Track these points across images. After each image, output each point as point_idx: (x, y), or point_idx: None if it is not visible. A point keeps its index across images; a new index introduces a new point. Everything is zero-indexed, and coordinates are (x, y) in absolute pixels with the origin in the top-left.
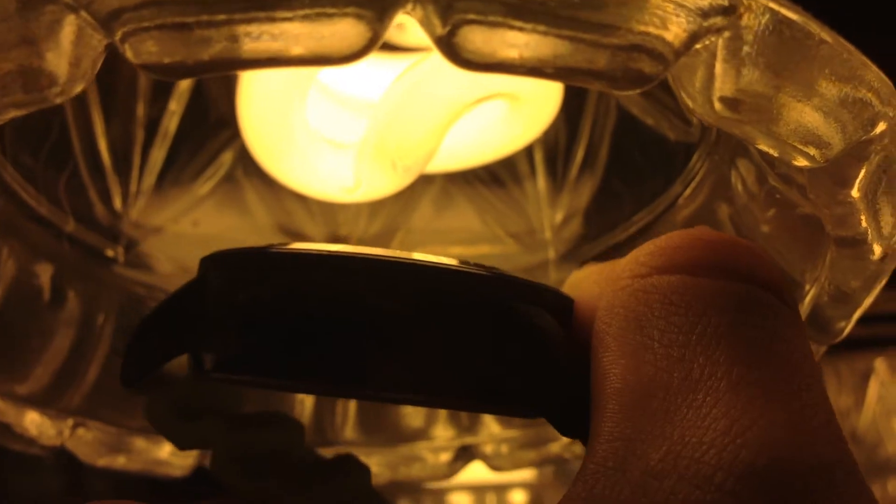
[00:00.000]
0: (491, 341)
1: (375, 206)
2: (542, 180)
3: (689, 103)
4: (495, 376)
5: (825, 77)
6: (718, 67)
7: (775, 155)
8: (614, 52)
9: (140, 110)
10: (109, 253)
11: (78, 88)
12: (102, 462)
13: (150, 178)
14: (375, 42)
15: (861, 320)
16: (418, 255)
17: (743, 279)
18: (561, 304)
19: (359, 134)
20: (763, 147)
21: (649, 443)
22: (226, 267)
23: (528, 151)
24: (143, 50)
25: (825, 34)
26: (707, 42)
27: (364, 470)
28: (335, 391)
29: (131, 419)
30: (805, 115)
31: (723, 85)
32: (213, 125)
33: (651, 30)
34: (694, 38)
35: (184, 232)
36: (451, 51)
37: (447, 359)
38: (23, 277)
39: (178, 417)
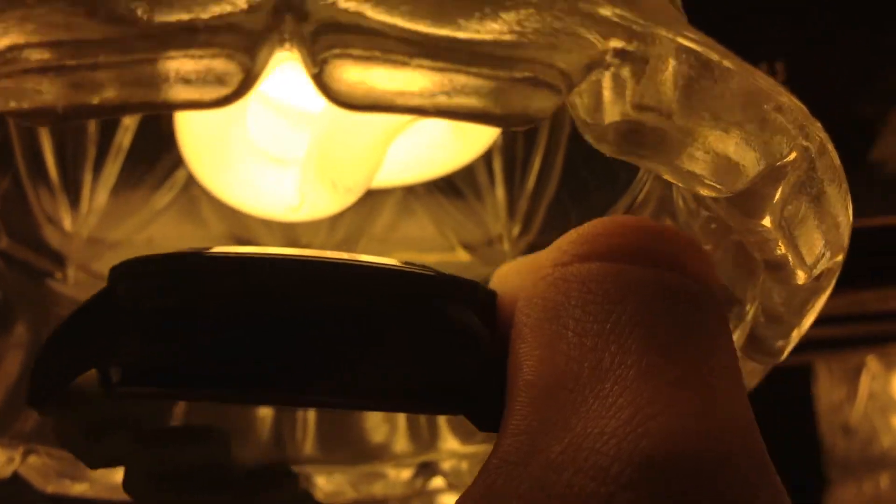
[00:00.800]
0: (409, 338)
1: (335, 217)
2: (500, 190)
3: (587, 135)
4: (413, 374)
5: (733, 103)
6: (606, 95)
7: (681, 185)
8: (499, 87)
9: (91, 126)
10: (57, 275)
11: None
12: (52, 488)
13: (103, 194)
14: (249, 84)
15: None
16: (335, 254)
17: (664, 266)
18: (484, 299)
19: (301, 150)
20: (668, 178)
21: (553, 435)
22: (131, 275)
23: (488, 160)
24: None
25: (729, 62)
26: (601, 71)
27: (292, 477)
28: (245, 399)
29: None
30: (711, 143)
31: (612, 113)
32: (167, 139)
33: (543, 57)
34: (590, 67)
35: (138, 248)
36: (325, 89)
37: (363, 358)
38: None
39: (87, 435)
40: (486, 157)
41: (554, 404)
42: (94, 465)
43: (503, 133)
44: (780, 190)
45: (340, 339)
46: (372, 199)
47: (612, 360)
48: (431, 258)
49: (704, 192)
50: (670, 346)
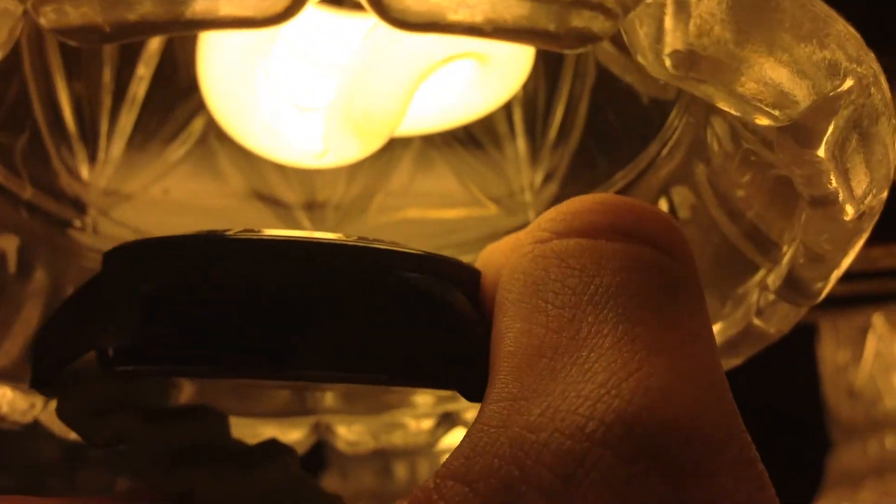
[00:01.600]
0: (397, 316)
1: (353, 170)
2: (521, 141)
3: (641, 61)
4: (403, 350)
5: (786, 31)
6: (668, 22)
7: (737, 114)
8: (559, 9)
9: (107, 75)
10: (76, 223)
11: None
12: (74, 436)
13: (119, 144)
14: (301, 3)
15: (858, 276)
16: (324, 235)
17: (640, 241)
18: (468, 277)
19: (327, 96)
20: (723, 106)
21: (532, 400)
22: (125, 259)
23: (507, 112)
24: (61, 12)
25: None
26: None
27: (290, 453)
28: (236, 374)
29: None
30: (766, 72)
31: (673, 40)
32: (183, 90)
33: None
34: None
35: (154, 200)
36: (381, 10)
37: (353, 335)
38: None
39: (89, 414)
40: (507, 110)
41: (534, 372)
42: (97, 444)
43: (525, 84)
44: (835, 119)
45: (331, 317)
46: (389, 151)
47: (589, 329)
48: (459, 212)
49: (761, 120)
50: (644, 315)
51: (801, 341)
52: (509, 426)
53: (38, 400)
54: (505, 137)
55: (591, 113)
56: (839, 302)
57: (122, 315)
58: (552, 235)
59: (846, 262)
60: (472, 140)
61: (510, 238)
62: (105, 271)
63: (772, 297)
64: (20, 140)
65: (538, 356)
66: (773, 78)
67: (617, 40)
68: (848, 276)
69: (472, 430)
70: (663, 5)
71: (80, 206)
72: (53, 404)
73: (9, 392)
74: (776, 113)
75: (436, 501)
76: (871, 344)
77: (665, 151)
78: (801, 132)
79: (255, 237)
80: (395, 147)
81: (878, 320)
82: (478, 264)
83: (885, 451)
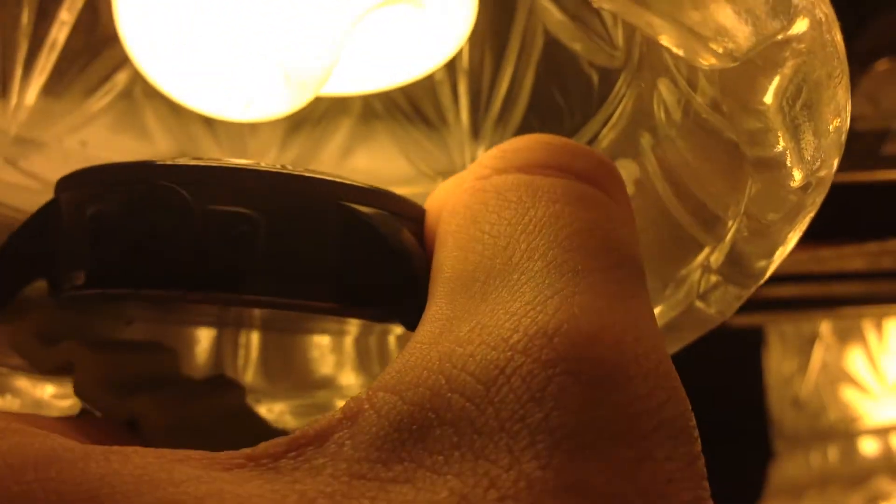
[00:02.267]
0: (342, 246)
1: (288, 136)
2: (464, 114)
3: None
4: (346, 280)
5: None
6: None
7: (679, 53)
8: None
9: (25, 17)
10: None
11: None
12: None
13: (34, 91)
14: None
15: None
16: (269, 165)
17: (574, 176)
18: (413, 214)
19: (253, 43)
20: (666, 41)
21: (464, 319)
22: (76, 185)
23: (453, 84)
24: None
25: None
26: None
27: (239, 389)
28: (183, 298)
29: (11, 357)
30: (715, 3)
31: None
32: (107, 39)
33: None
34: None
35: (71, 151)
36: None
37: (301, 264)
38: None
39: (39, 342)
40: (451, 80)
41: (466, 294)
42: (46, 371)
43: (471, 54)
44: (785, 64)
45: (278, 244)
46: (327, 119)
47: (521, 255)
48: (394, 187)
49: (706, 58)
50: (575, 242)
51: (748, 349)
52: (440, 343)
53: None
54: (449, 110)
55: (536, 87)
56: (786, 304)
57: (71, 240)
58: (492, 172)
59: (792, 238)
60: (416, 111)
61: (454, 177)
62: (56, 199)
63: (714, 278)
64: None
65: (472, 280)
66: (717, 11)
67: (566, 7)
68: (796, 278)
69: (406, 349)
70: None
71: None
72: None
73: None
74: (720, 50)
75: (366, 410)
76: (817, 354)
77: (609, 122)
78: (746, 76)
79: (206, 164)
80: (332, 115)
81: (825, 329)
82: (425, 205)
83: (827, 462)
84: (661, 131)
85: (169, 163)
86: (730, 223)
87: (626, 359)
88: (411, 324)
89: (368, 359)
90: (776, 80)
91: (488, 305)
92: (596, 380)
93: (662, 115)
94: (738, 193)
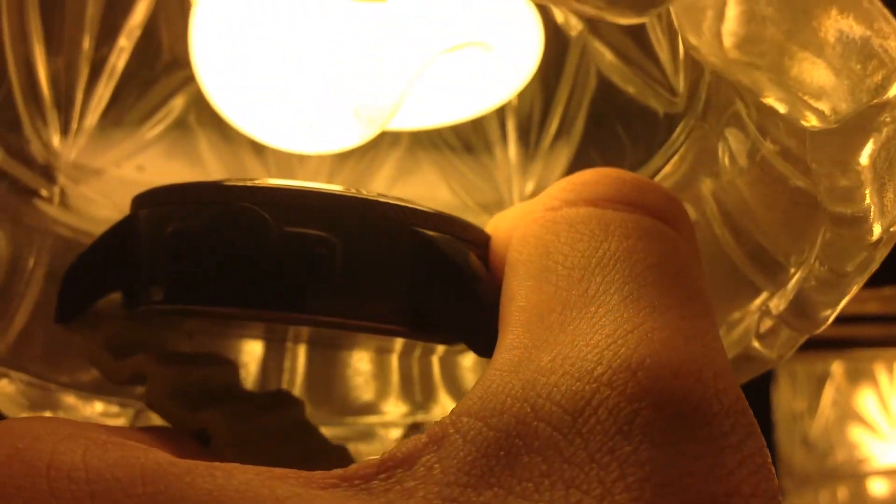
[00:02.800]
0: (413, 270)
1: (337, 165)
2: (513, 148)
3: (694, 42)
4: (417, 303)
5: (841, 25)
6: (731, 2)
7: (782, 111)
8: None
9: (86, 43)
10: (44, 193)
11: None
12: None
13: (93, 116)
14: None
15: None
16: (343, 188)
17: (644, 211)
18: (480, 240)
19: (324, 79)
20: (771, 99)
21: (543, 349)
22: (155, 202)
23: (501, 120)
24: None
25: None
26: None
27: (299, 403)
28: (258, 317)
29: (60, 374)
30: (817, 66)
31: (735, 25)
32: (165, 66)
33: None
34: None
35: (127, 177)
36: None
37: (374, 286)
38: None
39: (111, 353)
40: (499, 116)
41: (544, 325)
42: (119, 381)
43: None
44: (882, 129)
45: (351, 266)
46: (375, 148)
47: (597, 288)
48: None
49: (808, 118)
50: (649, 277)
51: (757, 386)
52: (521, 371)
53: None
54: (496, 143)
55: (596, 122)
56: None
57: (150, 256)
58: (562, 203)
59: (856, 289)
60: (463, 144)
61: (519, 206)
62: (134, 214)
63: (771, 322)
64: None
65: (548, 311)
66: (821, 74)
67: (620, 51)
68: None
69: (485, 376)
70: None
71: (49, 176)
72: (3, 383)
73: None
74: (825, 110)
75: (451, 434)
76: (828, 394)
77: (668, 167)
78: (845, 138)
79: (284, 186)
80: (381, 145)
81: (836, 369)
82: (487, 230)
83: (836, 502)
84: (724, 176)
85: (249, 184)
86: (792, 270)
87: (709, 395)
88: (478, 346)
89: (411, 385)
90: (872, 142)
91: (567, 336)
92: (681, 415)
93: (727, 160)
94: (804, 243)
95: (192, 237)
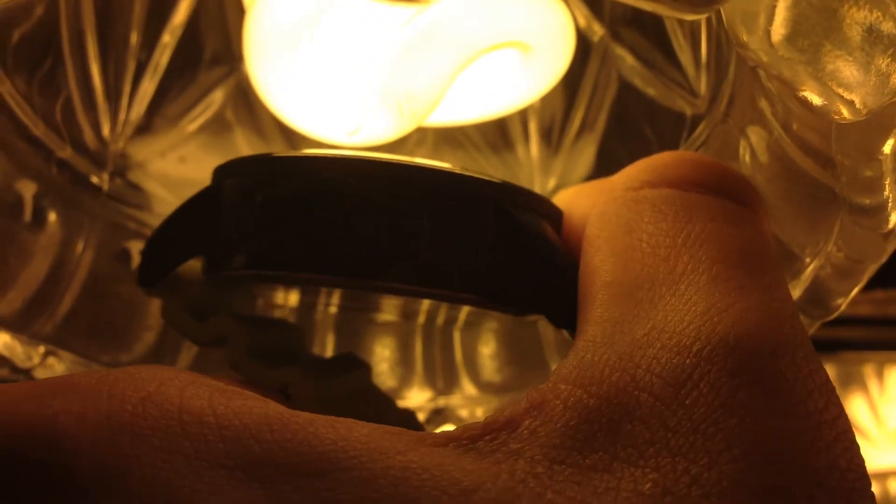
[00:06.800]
0: (491, 241)
1: None
2: (535, 147)
3: (745, 39)
4: (498, 273)
5: (870, 23)
6: (781, 4)
7: (817, 103)
8: None
9: (133, 39)
10: (94, 179)
11: None
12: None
13: (139, 109)
14: None
15: None
16: (425, 161)
17: (724, 195)
18: (554, 214)
19: (368, 74)
20: (808, 92)
21: (636, 323)
22: (239, 172)
23: (523, 119)
24: None
25: None
26: None
27: (366, 366)
28: (342, 283)
29: (103, 353)
30: (849, 63)
31: (782, 26)
32: (206, 62)
33: None
34: None
35: (170, 167)
36: None
37: (451, 255)
38: (4, 193)
39: (192, 316)
40: (522, 117)
41: (632, 300)
42: (201, 343)
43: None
44: None
45: (433, 239)
46: (402, 147)
47: (685, 267)
48: None
49: (841, 110)
50: (736, 259)
51: None
52: (615, 343)
53: (36, 354)
54: (519, 141)
55: (621, 120)
56: None
57: (236, 224)
58: (643, 184)
59: (866, 278)
60: (487, 142)
61: (596, 183)
62: (219, 184)
63: None
64: (59, 100)
65: (635, 287)
66: (854, 69)
67: (641, 55)
68: None
69: (577, 347)
70: None
71: (99, 164)
72: (51, 360)
73: (9, 339)
74: (857, 102)
75: (551, 401)
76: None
77: None
78: (869, 129)
79: (370, 157)
80: (408, 142)
81: (828, 373)
82: (558, 204)
83: None
84: (745, 172)
85: (334, 155)
86: (808, 260)
87: (803, 374)
88: (556, 317)
89: (434, 370)
90: (894, 134)
91: (659, 312)
92: (780, 392)
93: (748, 157)
94: (820, 234)
95: (281, 206)
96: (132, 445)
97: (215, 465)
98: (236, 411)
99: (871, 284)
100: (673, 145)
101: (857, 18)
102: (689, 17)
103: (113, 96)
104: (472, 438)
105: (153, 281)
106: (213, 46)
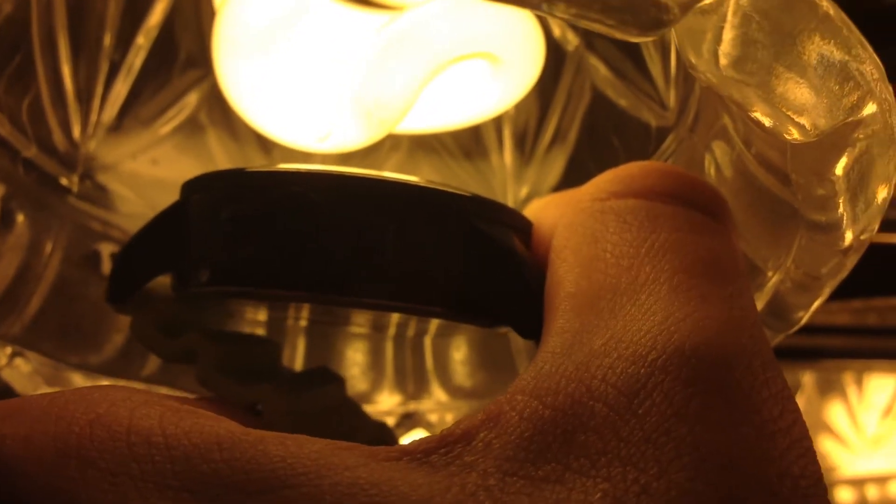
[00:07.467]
0: (459, 255)
1: (339, 165)
2: (509, 155)
3: (693, 60)
4: (464, 286)
5: (822, 50)
6: (727, 27)
7: (768, 125)
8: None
9: (107, 40)
10: (63, 181)
11: None
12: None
13: (111, 111)
14: None
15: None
16: (393, 174)
17: (691, 205)
18: (522, 225)
19: (339, 81)
20: (758, 114)
21: (595, 333)
22: (206, 188)
23: (498, 127)
24: None
25: (829, 6)
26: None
27: (340, 380)
28: (310, 298)
29: (71, 354)
30: (800, 85)
31: (730, 47)
32: (180, 64)
33: None
34: None
35: (142, 170)
36: None
37: (419, 269)
38: None
39: (162, 333)
40: (496, 124)
41: (594, 310)
42: (170, 360)
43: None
44: (857, 144)
45: (400, 252)
46: (377, 152)
47: (646, 277)
48: None
49: (791, 132)
50: (698, 270)
51: None
52: (573, 354)
53: (3, 355)
54: (493, 150)
55: (591, 132)
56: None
57: (204, 239)
58: (609, 195)
59: (827, 291)
60: (461, 149)
61: (565, 194)
62: (188, 199)
63: None
64: (26, 99)
65: (597, 297)
66: (803, 92)
67: (614, 66)
68: None
69: (538, 358)
70: (725, 15)
71: (69, 166)
72: (18, 361)
73: None
74: (807, 125)
75: (507, 412)
76: (799, 405)
77: None
78: (821, 149)
79: (335, 172)
80: (383, 148)
81: (808, 381)
82: (528, 215)
83: None
84: None
85: (302, 170)
86: (770, 274)
87: (759, 382)
88: (524, 328)
89: (404, 375)
90: (846, 155)
91: (619, 322)
92: (734, 401)
93: (713, 171)
94: (781, 248)
95: (247, 221)
96: (78, 468)
97: (162, 486)
98: (186, 431)
99: (850, 294)
100: (641, 157)
101: (809, 43)
102: (638, 40)
103: (84, 97)
104: (426, 452)
105: (122, 298)
106: (188, 49)
